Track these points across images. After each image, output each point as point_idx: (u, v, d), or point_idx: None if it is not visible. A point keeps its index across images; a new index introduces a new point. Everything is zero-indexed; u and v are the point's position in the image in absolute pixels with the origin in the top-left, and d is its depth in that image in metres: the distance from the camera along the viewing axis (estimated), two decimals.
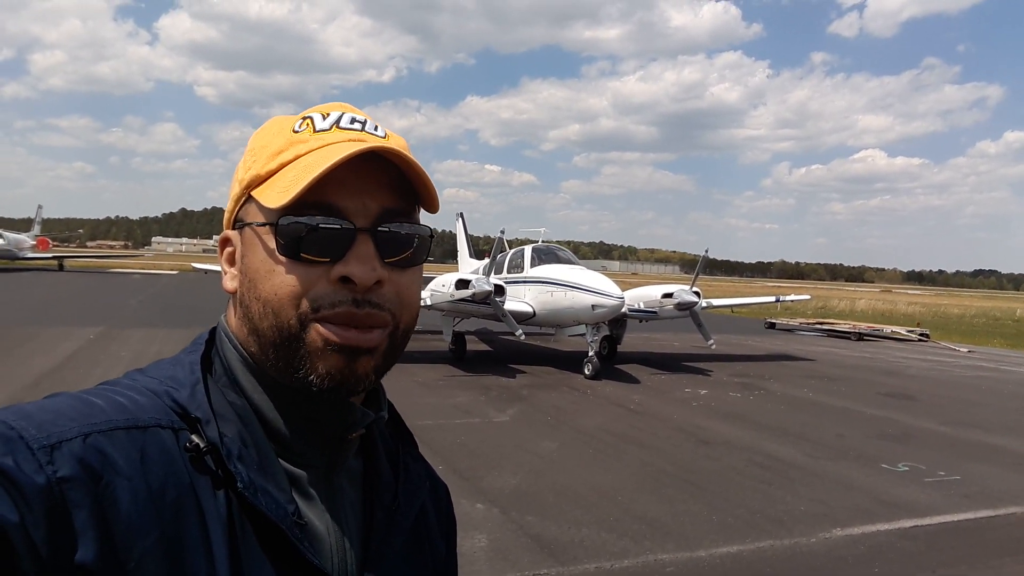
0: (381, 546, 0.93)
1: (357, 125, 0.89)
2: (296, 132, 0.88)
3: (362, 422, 0.92)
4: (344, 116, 0.90)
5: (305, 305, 0.83)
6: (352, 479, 0.96)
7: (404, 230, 0.88)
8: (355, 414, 0.91)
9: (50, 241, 61.63)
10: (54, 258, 53.01)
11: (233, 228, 0.92)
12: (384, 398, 1.00)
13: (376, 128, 0.90)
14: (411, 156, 0.87)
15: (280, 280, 0.84)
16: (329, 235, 0.83)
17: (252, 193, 0.88)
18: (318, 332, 0.83)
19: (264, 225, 0.85)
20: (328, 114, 0.90)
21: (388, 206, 0.87)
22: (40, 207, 58.78)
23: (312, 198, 0.82)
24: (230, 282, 0.92)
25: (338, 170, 0.81)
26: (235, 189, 0.92)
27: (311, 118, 0.90)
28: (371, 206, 0.85)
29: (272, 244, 0.84)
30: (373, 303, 0.85)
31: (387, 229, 0.86)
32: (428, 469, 1.11)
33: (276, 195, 0.83)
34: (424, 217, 0.94)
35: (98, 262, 65.27)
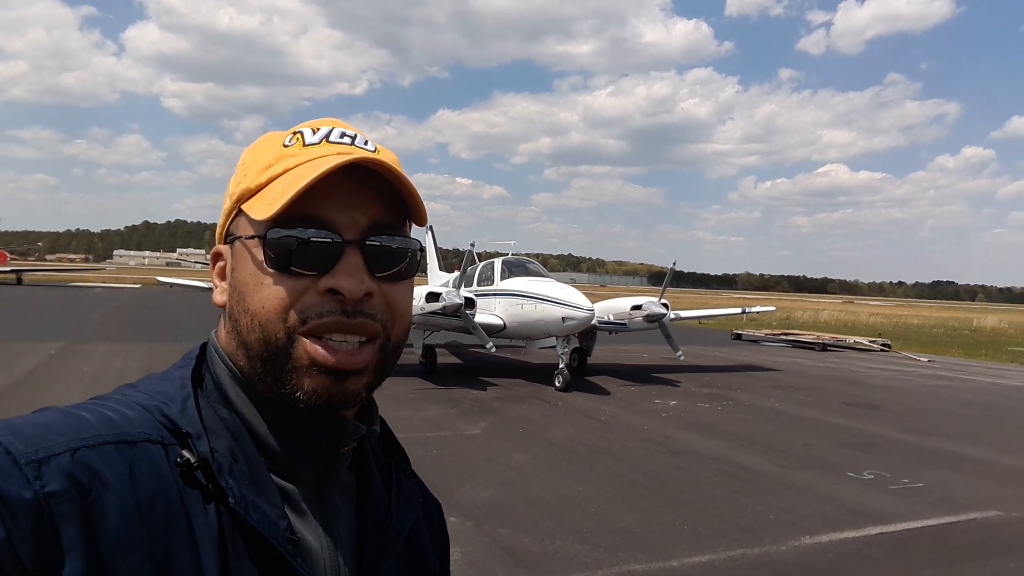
0: (375, 562, 0.93)
1: (347, 139, 0.89)
2: (286, 146, 0.88)
3: (353, 436, 0.91)
4: (334, 130, 0.90)
5: (293, 318, 0.83)
6: (345, 494, 0.95)
7: (394, 244, 0.88)
8: (346, 428, 0.90)
9: (8, 254, 60.09)
10: (12, 271, 51.67)
11: (225, 242, 0.92)
12: (376, 413, 0.99)
13: (366, 143, 0.90)
14: (399, 168, 0.86)
15: (268, 292, 0.83)
16: (317, 248, 0.83)
17: (242, 207, 0.88)
18: (304, 349, 0.83)
19: (253, 238, 0.85)
20: (318, 128, 0.90)
21: (377, 219, 0.87)
22: None
23: (300, 211, 0.82)
24: (220, 296, 0.92)
25: (327, 183, 0.81)
26: (226, 203, 0.91)
27: (301, 132, 0.90)
28: (360, 219, 0.85)
29: (260, 256, 0.84)
30: (365, 313, 0.84)
31: (376, 243, 0.86)
32: (420, 485, 1.10)
33: (263, 207, 0.83)
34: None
35: (58, 276, 63.80)
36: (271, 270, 0.83)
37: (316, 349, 0.83)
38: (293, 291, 0.83)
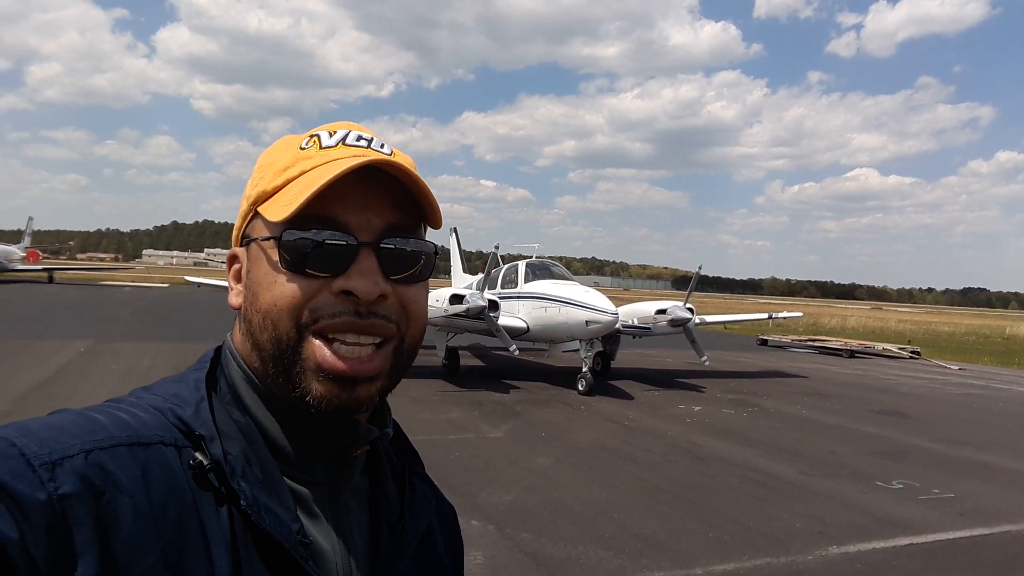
0: (387, 565, 0.93)
1: (363, 142, 0.90)
2: (303, 149, 0.89)
3: (366, 439, 0.92)
4: (351, 134, 0.90)
5: (305, 316, 0.83)
6: (358, 498, 0.95)
7: (408, 246, 0.88)
8: (359, 431, 0.91)
9: (40, 253, 61.25)
10: (44, 270, 52.65)
11: (240, 245, 0.93)
12: (389, 416, 1.00)
13: (383, 146, 0.91)
14: (413, 171, 0.87)
15: (280, 290, 0.84)
16: (332, 249, 0.83)
17: (258, 209, 0.88)
18: (312, 351, 0.83)
19: (268, 239, 0.86)
20: (335, 132, 0.91)
21: (392, 222, 0.87)
22: (31, 219, 58.61)
23: (316, 212, 0.82)
24: (235, 298, 0.92)
25: (342, 185, 0.82)
26: (243, 206, 0.92)
27: (318, 136, 0.91)
28: (375, 221, 0.86)
29: (275, 257, 0.85)
30: (379, 314, 0.85)
31: (391, 245, 0.86)
32: (434, 489, 1.10)
33: (279, 209, 0.84)
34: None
35: (88, 274, 64.89)
36: (285, 270, 0.84)
37: (324, 353, 0.83)
38: (306, 290, 0.83)
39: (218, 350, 0.95)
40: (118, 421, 0.78)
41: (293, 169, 0.87)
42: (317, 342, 0.83)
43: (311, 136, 0.91)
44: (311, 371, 0.83)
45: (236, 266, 0.93)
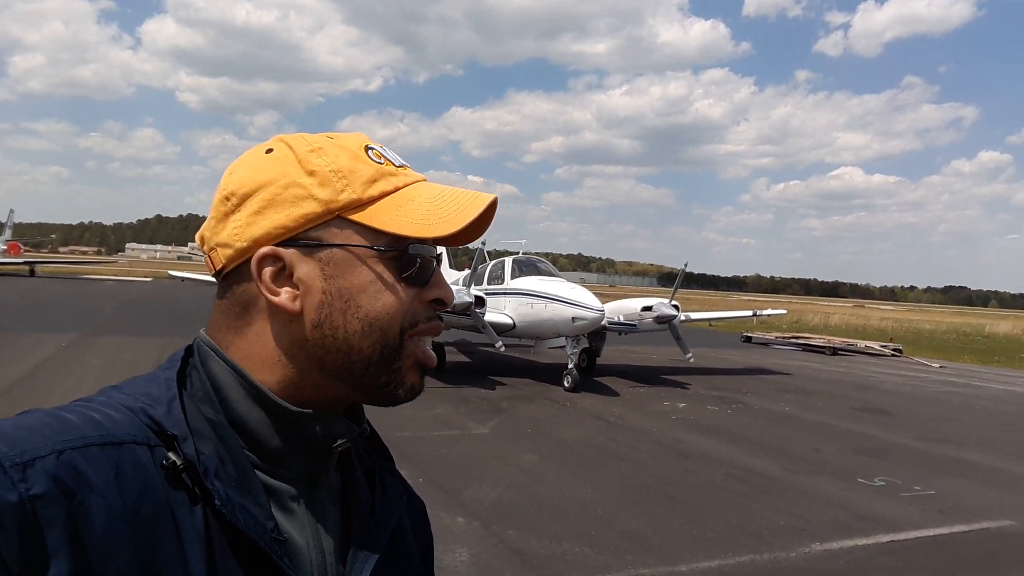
0: (360, 560, 0.93)
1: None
2: (377, 163, 0.92)
3: (347, 435, 0.93)
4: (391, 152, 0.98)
5: (406, 322, 0.90)
6: (331, 494, 0.96)
7: (437, 254, 0.98)
8: (341, 427, 0.92)
9: (21, 246, 60.47)
10: (25, 263, 52.02)
11: (292, 246, 0.87)
12: (363, 412, 1.01)
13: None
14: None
15: (392, 299, 0.89)
16: (429, 262, 0.92)
17: (349, 216, 0.88)
18: (413, 349, 0.91)
19: (372, 248, 0.88)
20: (383, 147, 0.96)
21: None
22: (12, 211, 57.70)
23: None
24: (293, 302, 0.87)
25: None
26: (310, 207, 0.87)
27: (376, 149, 0.94)
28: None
29: (383, 268, 0.89)
30: (439, 316, 0.97)
31: (441, 257, 0.96)
32: (404, 484, 1.10)
33: (413, 225, 0.88)
34: None
35: (71, 268, 64.21)
36: (402, 280, 0.90)
37: (422, 350, 0.93)
38: (409, 299, 0.91)
39: (188, 348, 0.93)
40: (89, 421, 0.77)
41: (383, 183, 0.90)
42: (412, 342, 0.92)
43: (368, 148, 0.92)
44: (408, 366, 0.92)
45: (272, 268, 0.87)
